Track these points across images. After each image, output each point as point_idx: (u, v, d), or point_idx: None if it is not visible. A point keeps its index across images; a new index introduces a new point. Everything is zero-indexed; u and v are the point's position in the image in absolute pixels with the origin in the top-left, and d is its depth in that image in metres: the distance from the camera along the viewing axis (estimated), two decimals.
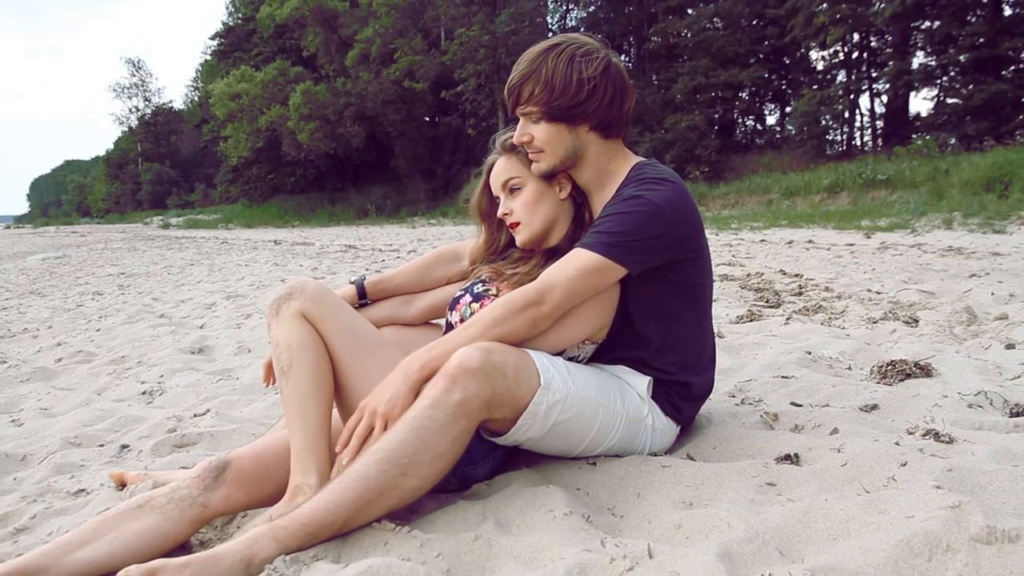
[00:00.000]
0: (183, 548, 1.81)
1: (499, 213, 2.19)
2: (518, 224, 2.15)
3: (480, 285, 2.20)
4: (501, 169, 2.19)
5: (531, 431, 1.86)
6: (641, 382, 2.09)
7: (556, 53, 1.98)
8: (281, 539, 1.56)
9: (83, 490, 2.28)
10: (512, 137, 2.15)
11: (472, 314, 2.10)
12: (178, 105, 77.37)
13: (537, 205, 2.14)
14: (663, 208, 1.91)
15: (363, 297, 2.34)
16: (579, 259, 1.90)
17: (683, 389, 2.15)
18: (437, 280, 2.42)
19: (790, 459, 1.99)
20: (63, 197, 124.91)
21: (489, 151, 2.28)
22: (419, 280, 2.40)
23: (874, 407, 2.45)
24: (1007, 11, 20.54)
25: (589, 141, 2.07)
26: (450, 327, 2.22)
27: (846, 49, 26.54)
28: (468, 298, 2.17)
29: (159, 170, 71.43)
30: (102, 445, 2.76)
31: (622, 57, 34.98)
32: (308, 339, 1.90)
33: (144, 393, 3.54)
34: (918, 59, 23.32)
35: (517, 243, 2.19)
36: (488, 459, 2.02)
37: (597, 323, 2.05)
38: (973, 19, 20.68)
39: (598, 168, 2.11)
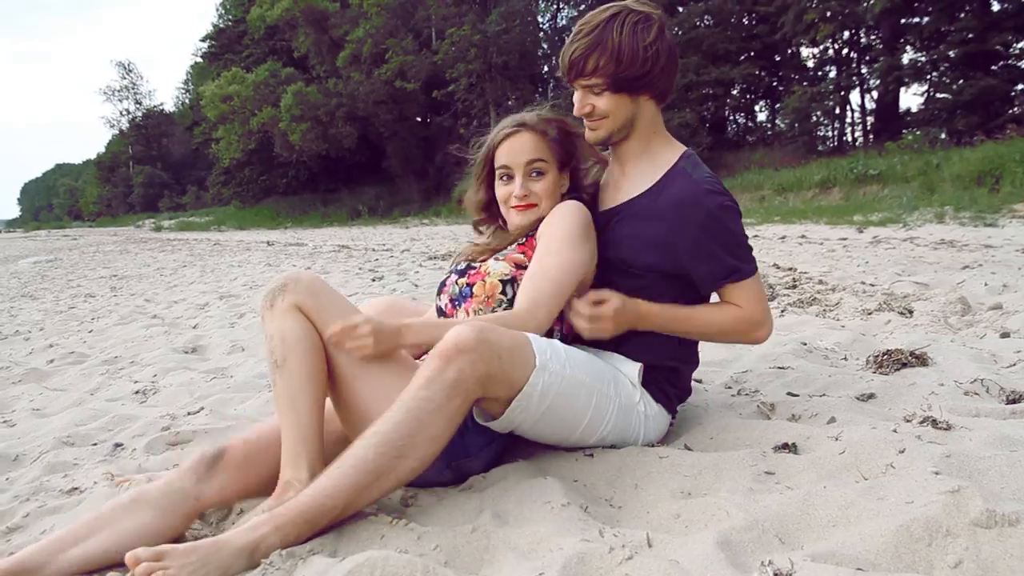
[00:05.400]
0: (177, 543, 1.79)
1: (516, 192, 2.14)
2: (532, 207, 2.14)
3: (463, 263, 2.19)
4: (531, 145, 2.13)
5: (526, 412, 1.85)
6: (632, 369, 2.09)
7: (619, 23, 1.97)
8: (281, 527, 1.57)
9: (76, 488, 2.26)
10: (545, 116, 2.18)
11: (460, 291, 2.09)
12: (169, 107, 77.04)
13: (554, 195, 2.16)
14: (736, 206, 2.05)
15: None
16: (755, 285, 2.06)
17: (672, 375, 2.17)
18: None
19: (788, 448, 1.98)
20: (54, 201, 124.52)
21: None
22: None
23: (871, 396, 2.44)
24: (996, 6, 20.59)
25: (647, 109, 2.10)
26: (441, 312, 2.20)
27: (836, 45, 26.58)
28: (454, 276, 2.16)
29: (151, 173, 71.15)
30: (95, 444, 2.74)
31: None
32: (303, 332, 1.86)
33: (137, 392, 3.52)
34: (908, 55, 23.37)
35: (515, 223, 2.17)
36: (484, 451, 2.00)
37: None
38: (962, 15, 20.70)
39: (644, 140, 2.14)
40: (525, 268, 2.08)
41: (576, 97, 2.08)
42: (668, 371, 2.15)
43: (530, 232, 2.16)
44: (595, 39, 1.97)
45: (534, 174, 2.14)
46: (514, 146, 2.14)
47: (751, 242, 2.09)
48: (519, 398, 1.81)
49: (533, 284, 1.98)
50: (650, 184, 2.11)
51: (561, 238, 2.03)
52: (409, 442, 1.65)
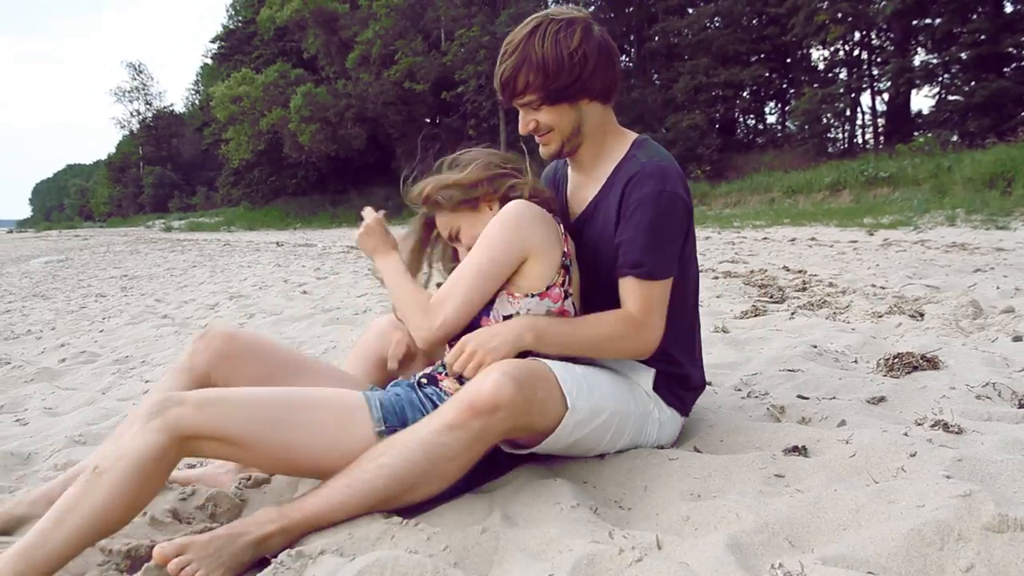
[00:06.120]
0: None
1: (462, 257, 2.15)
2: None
3: None
4: (440, 224, 2.14)
5: (556, 445, 1.88)
6: (647, 378, 2.08)
7: (540, 35, 1.93)
8: (288, 529, 1.64)
9: None
10: (422, 191, 2.09)
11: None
12: (179, 108, 77.33)
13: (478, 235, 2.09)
14: (685, 200, 1.98)
15: None
16: (655, 290, 1.95)
17: (684, 381, 2.15)
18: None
19: (798, 451, 1.98)
20: (65, 201, 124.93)
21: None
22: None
23: (881, 399, 2.43)
24: (1008, 8, 20.50)
25: (591, 112, 2.04)
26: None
27: (847, 47, 26.51)
28: None
29: (161, 173, 71.39)
30: None
31: (623, 57, 35.00)
32: (148, 455, 1.58)
33: (148, 392, 3.53)
34: (920, 56, 23.31)
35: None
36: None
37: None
38: (974, 16, 20.62)
39: (596, 142, 2.10)
40: None
41: (519, 117, 2.06)
42: (679, 378, 2.13)
43: None
44: (519, 57, 1.94)
45: (454, 241, 2.15)
46: (439, 227, 2.16)
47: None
48: (549, 439, 1.83)
49: (448, 282, 1.97)
50: (603, 181, 2.09)
51: (482, 237, 1.95)
52: (420, 479, 1.70)
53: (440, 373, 2.03)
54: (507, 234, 1.91)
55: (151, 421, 1.61)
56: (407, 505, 1.74)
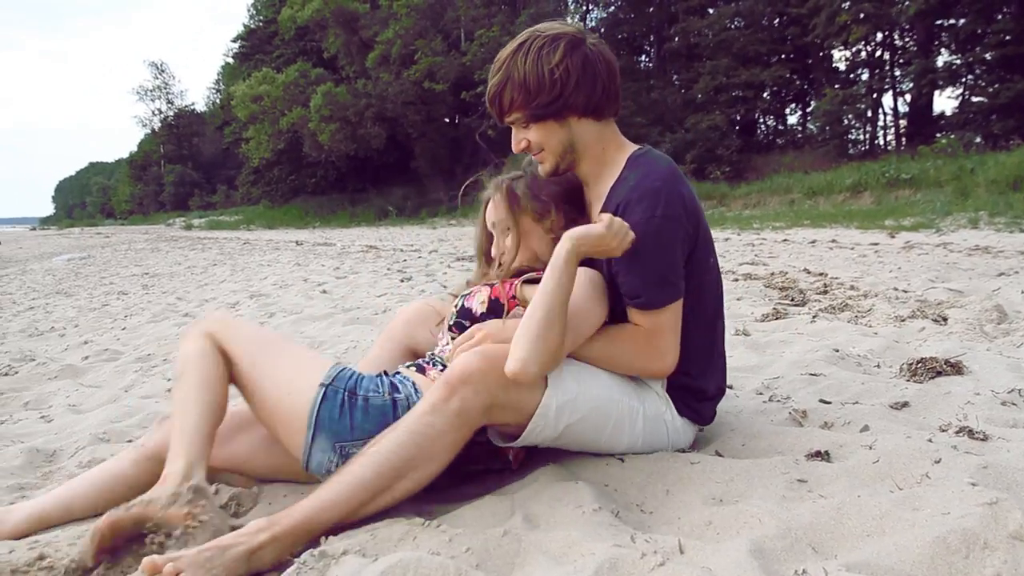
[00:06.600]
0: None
1: (493, 252, 2.22)
2: (507, 259, 2.16)
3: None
4: (495, 208, 2.18)
5: (544, 432, 1.87)
6: (657, 380, 2.06)
7: (523, 52, 1.91)
8: (279, 537, 1.63)
9: None
10: (503, 179, 2.18)
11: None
12: (200, 107, 77.81)
13: (530, 245, 2.13)
14: (679, 218, 1.90)
15: None
16: (661, 317, 1.91)
17: (699, 393, 2.11)
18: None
19: (821, 456, 1.97)
20: (87, 199, 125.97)
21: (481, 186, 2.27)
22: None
23: (905, 404, 2.42)
24: None
25: (583, 129, 2.00)
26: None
27: (869, 48, 26.31)
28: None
29: (181, 172, 71.92)
30: (130, 440, 2.77)
31: (642, 57, 34.90)
32: (200, 351, 1.96)
33: (170, 390, 3.55)
34: (943, 57, 23.10)
35: (499, 272, 2.19)
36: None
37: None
38: (1000, 16, 20.40)
39: (595, 159, 2.05)
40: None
41: (512, 135, 2.05)
42: (694, 390, 2.09)
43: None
44: (503, 75, 1.94)
45: (503, 231, 2.17)
46: (489, 210, 2.22)
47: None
48: (534, 420, 1.82)
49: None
50: (603, 201, 2.04)
51: (584, 305, 1.92)
52: (408, 464, 1.72)
53: (428, 364, 2.09)
54: (599, 308, 1.95)
55: (193, 330, 2.01)
56: (398, 498, 1.73)
